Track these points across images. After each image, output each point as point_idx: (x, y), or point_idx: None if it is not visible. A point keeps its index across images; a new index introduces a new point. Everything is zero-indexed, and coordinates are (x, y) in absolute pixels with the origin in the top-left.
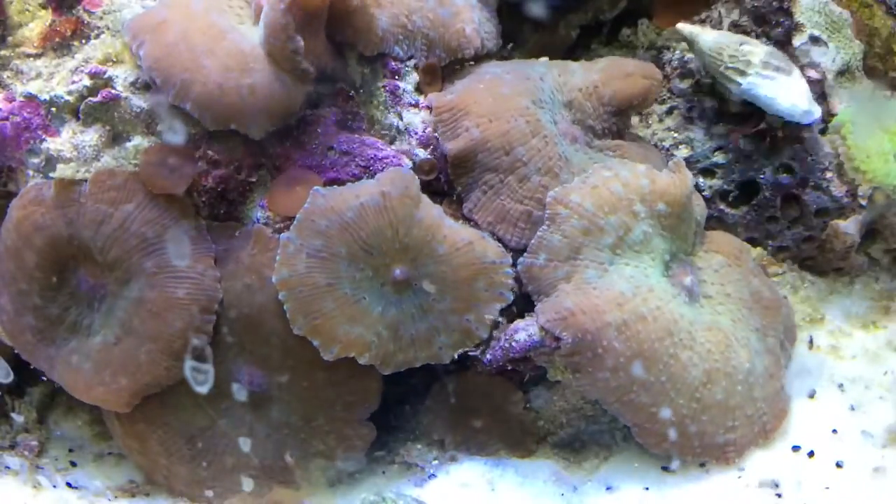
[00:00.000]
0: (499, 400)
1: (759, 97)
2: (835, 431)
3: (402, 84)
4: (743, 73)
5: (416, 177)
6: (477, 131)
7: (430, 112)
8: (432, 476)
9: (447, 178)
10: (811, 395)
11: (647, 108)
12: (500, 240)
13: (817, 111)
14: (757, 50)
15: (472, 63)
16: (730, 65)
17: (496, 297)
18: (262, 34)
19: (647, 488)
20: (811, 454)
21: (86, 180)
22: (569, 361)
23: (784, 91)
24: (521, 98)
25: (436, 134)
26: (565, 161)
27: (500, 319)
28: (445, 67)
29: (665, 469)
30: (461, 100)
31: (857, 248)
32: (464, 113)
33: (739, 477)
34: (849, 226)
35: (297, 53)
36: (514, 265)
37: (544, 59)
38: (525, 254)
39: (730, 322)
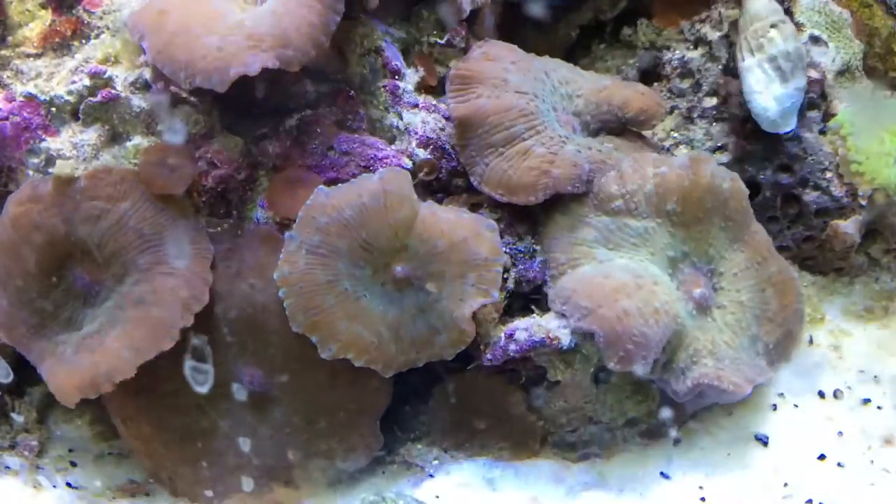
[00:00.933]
0: (500, 400)
1: (744, 81)
2: (836, 432)
3: (402, 84)
4: (751, 52)
5: (411, 177)
6: (486, 101)
7: (451, 74)
8: (432, 476)
9: (449, 170)
10: (812, 395)
11: (648, 127)
12: (500, 219)
13: (787, 125)
14: (778, 41)
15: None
16: (749, 37)
17: (481, 292)
18: None
19: (646, 489)
20: (811, 454)
21: (81, 176)
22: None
23: (767, 92)
24: (524, 85)
25: (446, 99)
26: (567, 138)
27: (496, 317)
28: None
29: (663, 475)
30: (479, 67)
31: (856, 248)
32: (476, 82)
33: None
34: (849, 226)
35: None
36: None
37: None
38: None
39: (730, 335)
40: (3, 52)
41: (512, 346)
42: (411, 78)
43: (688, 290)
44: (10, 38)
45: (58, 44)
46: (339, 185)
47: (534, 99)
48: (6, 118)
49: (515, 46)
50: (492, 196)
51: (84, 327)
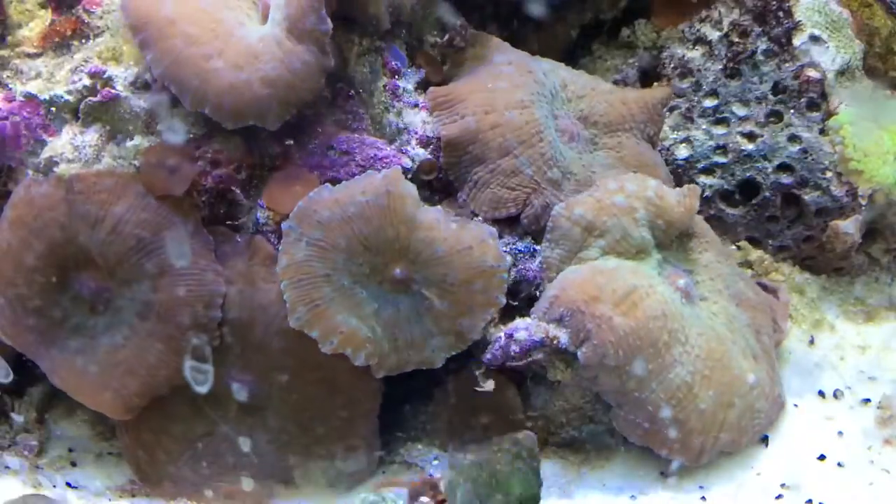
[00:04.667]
0: (500, 399)
1: None
2: (836, 432)
3: (402, 84)
4: None
5: (412, 176)
6: (472, 120)
7: (428, 100)
8: (432, 476)
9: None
10: (812, 395)
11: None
12: (497, 221)
13: None
14: None
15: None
16: None
17: (491, 301)
18: (284, 12)
19: (646, 489)
20: (811, 454)
21: (74, 180)
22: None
23: None
24: (518, 92)
25: (433, 118)
26: (556, 160)
27: (495, 317)
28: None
29: (663, 474)
30: (460, 89)
31: (857, 248)
32: (460, 102)
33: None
34: (849, 226)
35: (325, 34)
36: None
37: (557, 62)
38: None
39: (724, 323)
40: (3, 51)
41: (512, 346)
42: (412, 77)
43: (672, 282)
44: (9, 38)
45: (57, 43)
46: (343, 182)
47: (531, 105)
48: (6, 118)
49: (512, 47)
50: (475, 213)
51: (101, 338)
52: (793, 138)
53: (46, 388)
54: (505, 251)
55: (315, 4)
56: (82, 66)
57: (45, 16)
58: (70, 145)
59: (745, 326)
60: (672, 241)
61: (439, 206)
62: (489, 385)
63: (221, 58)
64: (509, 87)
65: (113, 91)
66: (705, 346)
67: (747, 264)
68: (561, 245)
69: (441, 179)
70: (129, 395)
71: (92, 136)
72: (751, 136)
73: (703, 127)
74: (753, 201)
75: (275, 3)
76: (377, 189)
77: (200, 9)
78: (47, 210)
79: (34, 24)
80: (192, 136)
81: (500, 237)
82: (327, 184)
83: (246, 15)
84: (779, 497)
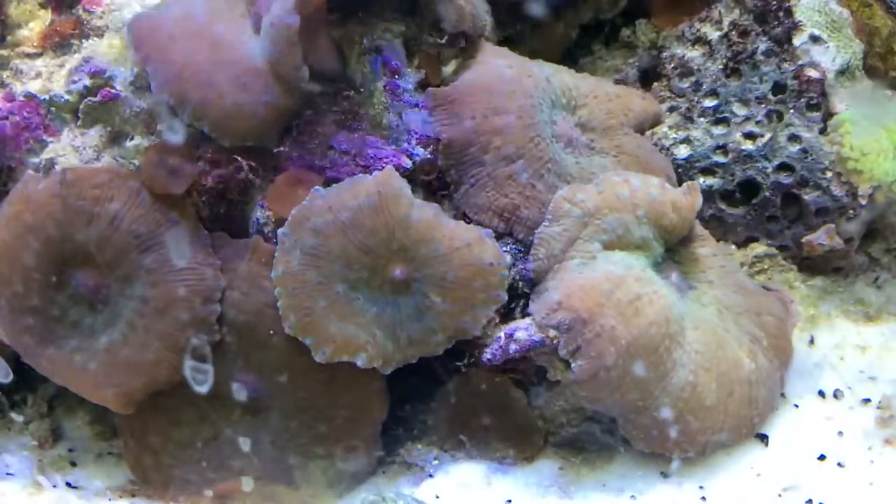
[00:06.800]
0: (502, 399)
1: None
2: (836, 432)
3: (402, 84)
4: None
5: (406, 179)
6: (471, 123)
7: (429, 101)
8: (432, 476)
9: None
10: (812, 395)
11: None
12: (486, 227)
13: None
14: None
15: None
16: None
17: (492, 298)
18: (266, 49)
19: (646, 489)
20: (811, 454)
21: (68, 177)
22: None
23: None
24: (518, 95)
25: (433, 119)
26: (554, 163)
27: (495, 317)
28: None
29: (663, 474)
30: (460, 91)
31: (857, 248)
32: (461, 104)
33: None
34: (821, 236)
35: (301, 80)
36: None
37: (559, 66)
38: (530, 255)
39: (716, 312)
40: (3, 51)
41: (512, 346)
42: (411, 77)
43: (667, 276)
44: (9, 38)
45: (57, 43)
46: (334, 185)
47: (531, 109)
48: (6, 118)
49: (512, 52)
50: (466, 214)
51: (98, 334)
52: (793, 138)
53: (47, 388)
54: (505, 251)
55: (293, 49)
56: (82, 66)
57: (45, 16)
58: (70, 145)
59: (741, 312)
60: (674, 239)
61: (436, 204)
62: None
63: (222, 75)
64: (509, 90)
65: (113, 91)
66: (702, 338)
67: (747, 264)
68: (559, 223)
69: (440, 180)
70: (130, 391)
71: (92, 137)
72: (751, 136)
73: (703, 127)
74: (753, 201)
75: (263, 25)
76: (369, 192)
77: (201, 24)
78: (43, 206)
79: (34, 24)
80: (192, 135)
81: (498, 239)
82: (320, 188)
83: (242, 24)
84: (779, 497)
